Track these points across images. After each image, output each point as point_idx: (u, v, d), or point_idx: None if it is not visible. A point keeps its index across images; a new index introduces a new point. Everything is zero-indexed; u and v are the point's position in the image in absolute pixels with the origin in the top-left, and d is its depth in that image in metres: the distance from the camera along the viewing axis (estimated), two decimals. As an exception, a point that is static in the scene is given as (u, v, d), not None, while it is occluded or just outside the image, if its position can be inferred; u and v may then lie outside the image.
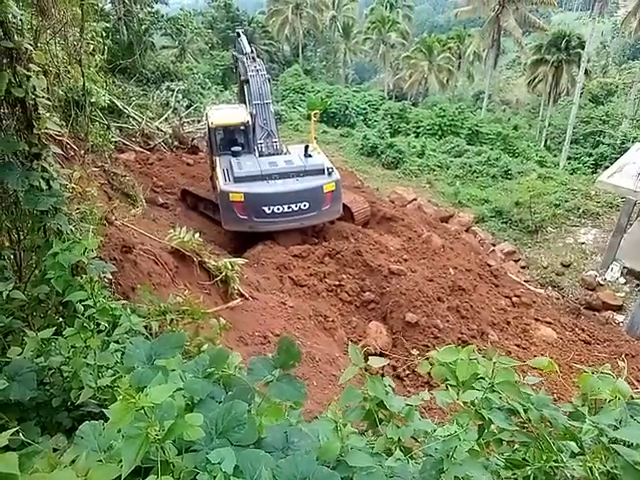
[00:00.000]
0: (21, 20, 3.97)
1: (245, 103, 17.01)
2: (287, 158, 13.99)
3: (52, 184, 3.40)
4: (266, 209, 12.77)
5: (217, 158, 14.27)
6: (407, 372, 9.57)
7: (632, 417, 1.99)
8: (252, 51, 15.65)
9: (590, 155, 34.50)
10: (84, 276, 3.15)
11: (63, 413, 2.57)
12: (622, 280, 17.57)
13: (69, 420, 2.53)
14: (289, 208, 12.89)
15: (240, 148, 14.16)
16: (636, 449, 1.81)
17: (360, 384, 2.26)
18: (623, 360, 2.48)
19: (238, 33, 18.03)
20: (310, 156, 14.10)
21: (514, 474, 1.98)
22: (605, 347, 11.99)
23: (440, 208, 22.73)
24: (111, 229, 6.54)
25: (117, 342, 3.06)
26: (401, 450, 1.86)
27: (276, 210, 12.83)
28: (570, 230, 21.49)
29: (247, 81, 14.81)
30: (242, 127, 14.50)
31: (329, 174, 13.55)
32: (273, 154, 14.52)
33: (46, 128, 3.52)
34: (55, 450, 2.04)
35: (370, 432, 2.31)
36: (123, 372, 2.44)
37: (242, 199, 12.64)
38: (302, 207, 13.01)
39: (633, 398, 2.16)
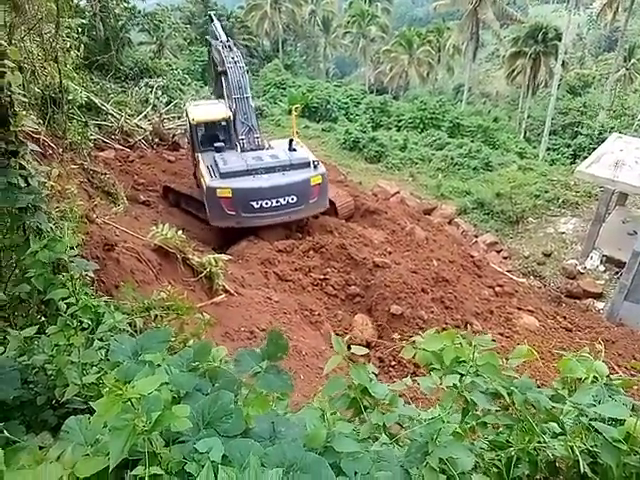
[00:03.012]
0: (-6, 15, 3.89)
1: (222, 95, 16.77)
2: (272, 152, 13.90)
3: (30, 182, 3.36)
4: (254, 204, 12.71)
5: (199, 155, 14.14)
6: (393, 363, 9.65)
7: (610, 396, 2.05)
8: (228, 39, 15.18)
9: (569, 146, 34.99)
10: (65, 274, 3.12)
11: (48, 411, 2.55)
12: (602, 268, 17.91)
13: (54, 418, 2.51)
14: (277, 202, 12.86)
15: (223, 144, 14.03)
16: (614, 426, 1.87)
17: (346, 375, 2.29)
18: (601, 343, 2.54)
19: (211, 17, 17.42)
20: (294, 150, 14.07)
21: (498, 455, 2.02)
22: (586, 334, 12.23)
23: (423, 201, 22.91)
24: (92, 227, 6.46)
25: (101, 340, 3.04)
26: (387, 435, 1.89)
27: (264, 205, 12.78)
28: (550, 220, 21.82)
29: (224, 73, 14.48)
30: (223, 122, 14.37)
31: (315, 167, 13.53)
32: (255, 149, 14.44)
33: (23, 125, 3.47)
34: (41, 448, 2.02)
35: (357, 421, 2.34)
36: (108, 368, 2.42)
37: (230, 194, 12.55)
38: (290, 201, 12.99)
39: (611, 379, 2.23)
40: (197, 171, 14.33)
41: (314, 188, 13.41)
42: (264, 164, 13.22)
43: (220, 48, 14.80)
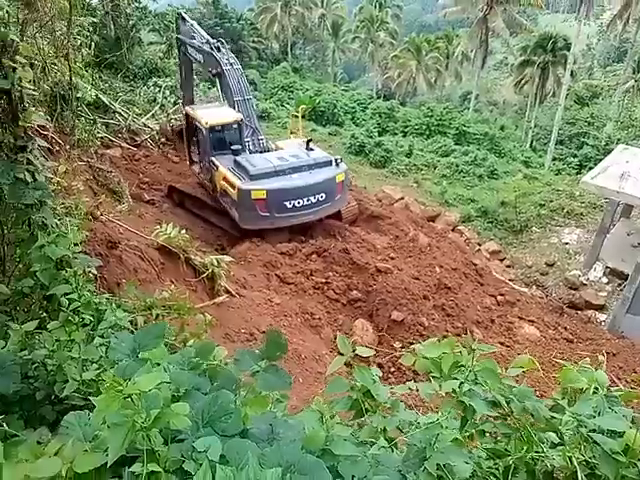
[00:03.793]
0: (7, 12, 3.92)
1: (193, 99, 16.64)
2: (293, 152, 14.12)
3: (37, 177, 3.37)
4: (287, 204, 12.88)
5: (214, 159, 14.04)
6: (393, 369, 9.63)
7: (610, 408, 2.04)
8: (219, 40, 14.78)
9: (575, 156, 34.95)
10: (69, 270, 3.14)
11: (47, 407, 2.56)
12: (605, 280, 17.83)
13: (53, 413, 2.52)
14: (308, 201, 13.11)
15: (240, 147, 13.99)
16: (613, 438, 1.86)
17: (346, 378, 2.28)
18: (603, 355, 2.53)
19: (182, 16, 16.58)
20: (312, 149, 14.37)
21: (496, 464, 2.02)
22: (587, 345, 12.17)
23: (427, 207, 22.85)
24: (96, 224, 6.48)
25: (102, 336, 3.05)
26: (386, 440, 1.89)
27: (296, 204, 12.98)
28: (554, 230, 21.75)
29: (219, 75, 14.35)
30: (235, 125, 14.32)
31: (337, 165, 13.91)
32: (261, 151, 14.47)
33: (32, 121, 3.49)
34: (39, 443, 2.03)
35: (356, 424, 2.34)
36: (108, 365, 2.43)
37: (265, 196, 12.65)
38: (319, 199, 13.30)
39: (611, 391, 2.22)
40: (214, 175, 14.18)
41: (339, 185, 13.80)
42: (290, 164, 13.38)
43: (207, 49, 14.53)
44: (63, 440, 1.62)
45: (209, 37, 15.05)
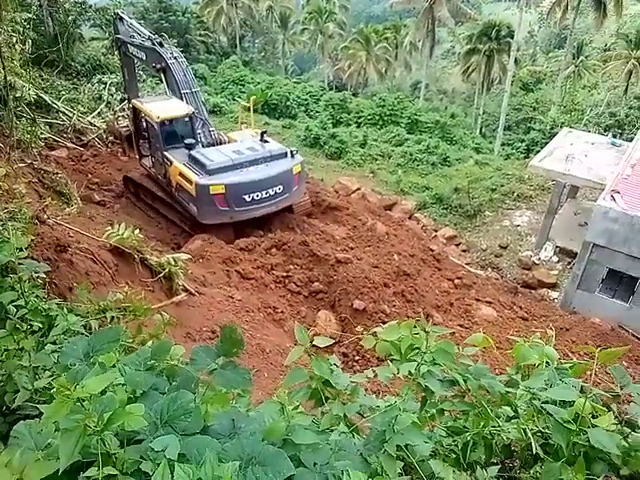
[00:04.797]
0: None
1: (138, 95, 16.27)
2: (249, 145, 14.01)
3: (-27, 181, 3.21)
4: (246, 197, 12.84)
5: (167, 153, 13.73)
6: (357, 357, 9.74)
7: (560, 380, 2.13)
8: (162, 36, 14.59)
9: (522, 141, 36.08)
10: (14, 276, 3.00)
11: (-2, 419, 2.45)
12: (555, 259, 18.58)
13: (5, 425, 2.41)
14: (266, 193, 13.10)
15: (193, 141, 13.74)
16: (564, 408, 1.94)
17: (309, 369, 2.28)
18: (551, 329, 2.63)
19: (120, 16, 16.18)
20: (267, 142, 14.29)
21: (454, 441, 2.07)
22: (541, 322, 12.67)
23: (383, 196, 23.14)
24: (43, 228, 6.21)
25: (54, 343, 2.94)
26: (346, 425, 1.90)
27: (255, 197, 12.95)
28: (506, 213, 22.47)
29: (164, 69, 14.08)
30: (187, 119, 14.03)
31: (292, 156, 13.90)
32: (213, 144, 14.28)
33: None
34: (-10, 457, 1.94)
35: (320, 413, 2.35)
36: (60, 371, 2.35)
37: (223, 190, 12.57)
38: (277, 191, 13.30)
39: (562, 364, 2.31)
40: (168, 170, 13.81)
41: (295, 176, 13.80)
42: (247, 157, 13.29)
43: (149, 45, 14.24)
44: (14, 451, 1.55)
45: (150, 33, 14.73)
